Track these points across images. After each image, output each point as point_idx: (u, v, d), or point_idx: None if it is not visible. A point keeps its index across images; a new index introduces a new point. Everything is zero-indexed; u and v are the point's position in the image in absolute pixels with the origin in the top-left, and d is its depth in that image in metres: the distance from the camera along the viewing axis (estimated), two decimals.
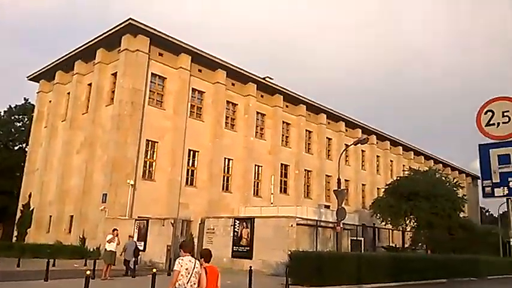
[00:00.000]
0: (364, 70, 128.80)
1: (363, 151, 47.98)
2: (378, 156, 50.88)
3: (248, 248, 21.21)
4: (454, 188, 33.92)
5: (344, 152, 33.74)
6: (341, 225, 20.44)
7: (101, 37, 29.88)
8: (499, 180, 5.95)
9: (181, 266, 5.84)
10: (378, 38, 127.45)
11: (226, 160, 33.78)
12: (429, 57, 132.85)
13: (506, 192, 5.86)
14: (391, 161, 53.15)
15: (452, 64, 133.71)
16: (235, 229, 22.14)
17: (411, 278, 19.11)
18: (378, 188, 46.31)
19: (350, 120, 45.66)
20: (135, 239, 22.76)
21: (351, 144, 27.66)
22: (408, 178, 34.66)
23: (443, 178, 35.09)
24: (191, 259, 5.98)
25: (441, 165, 58.03)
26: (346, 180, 42.34)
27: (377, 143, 50.24)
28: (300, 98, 40.11)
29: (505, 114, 6.00)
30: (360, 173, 47.34)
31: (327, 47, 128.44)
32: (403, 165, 50.78)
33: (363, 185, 47.76)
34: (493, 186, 6.03)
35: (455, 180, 36.39)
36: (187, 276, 5.82)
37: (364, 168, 48.49)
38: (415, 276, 19.39)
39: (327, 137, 43.66)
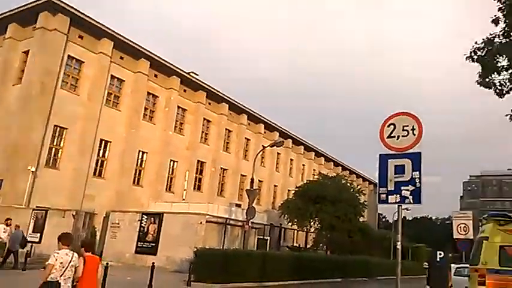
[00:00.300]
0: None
1: (278, 153, 49.41)
2: (291, 159, 52.70)
3: (153, 244, 20.72)
4: (357, 194, 36.23)
5: (260, 153, 34.42)
6: (250, 224, 20.86)
7: (14, 11, 27.21)
8: (393, 188, 6.53)
9: (56, 259, 5.77)
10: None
11: (141, 153, 32.59)
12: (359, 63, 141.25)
13: (398, 199, 6.45)
14: (304, 165, 55.36)
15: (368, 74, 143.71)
16: (142, 224, 21.53)
17: (311, 276, 20.08)
18: (288, 190, 47.89)
19: (269, 123, 46.70)
20: (31, 230, 21.18)
21: (267, 146, 28.40)
22: (317, 182, 36.36)
23: (349, 184, 37.33)
24: (68, 252, 5.91)
25: (348, 171, 61.86)
26: (260, 180, 43.34)
27: (292, 147, 52.02)
28: (224, 96, 40.13)
29: (405, 128, 6.61)
30: (274, 174, 48.70)
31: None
32: (314, 170, 53.07)
33: (275, 186, 49.15)
34: (388, 193, 6.61)
35: (358, 187, 38.97)
36: (61, 270, 5.76)
37: (278, 170, 49.93)
38: (315, 275, 20.39)
39: (245, 138, 44.21)
